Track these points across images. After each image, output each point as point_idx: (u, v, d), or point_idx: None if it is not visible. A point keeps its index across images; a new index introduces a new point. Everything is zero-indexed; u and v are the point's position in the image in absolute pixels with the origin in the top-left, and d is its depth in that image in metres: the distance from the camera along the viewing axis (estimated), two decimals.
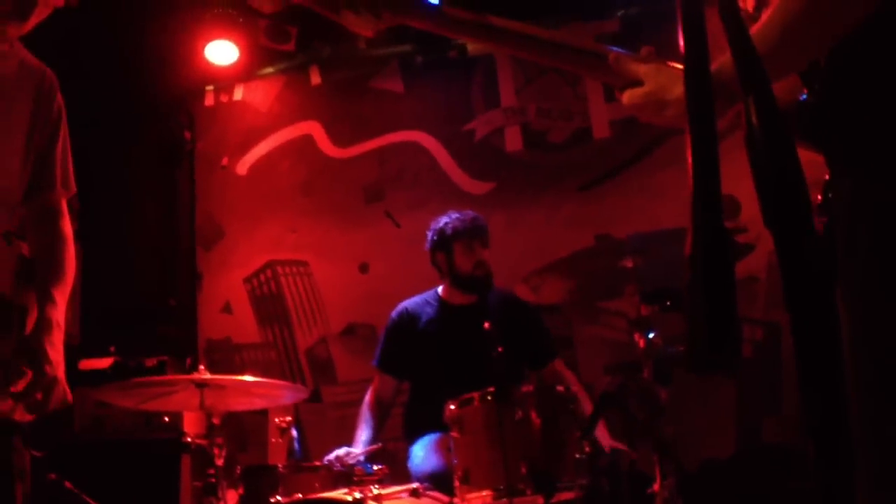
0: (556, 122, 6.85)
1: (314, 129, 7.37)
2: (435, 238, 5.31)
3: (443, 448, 4.54)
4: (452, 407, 4.09)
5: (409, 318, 5.33)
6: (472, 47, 7.12)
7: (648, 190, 6.43)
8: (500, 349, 4.01)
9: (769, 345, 6.09)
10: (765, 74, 1.12)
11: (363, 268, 7.02)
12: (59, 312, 3.04)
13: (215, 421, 4.27)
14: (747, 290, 6.10)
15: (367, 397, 5.32)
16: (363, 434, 5.11)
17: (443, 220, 5.31)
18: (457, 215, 5.29)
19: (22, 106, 3.19)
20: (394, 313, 5.39)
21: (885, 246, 1.66)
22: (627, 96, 2.03)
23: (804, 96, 1.91)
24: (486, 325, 4.17)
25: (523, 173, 6.81)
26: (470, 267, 5.19)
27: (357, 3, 1.92)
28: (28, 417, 2.95)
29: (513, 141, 6.89)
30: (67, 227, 3.28)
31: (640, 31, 6.79)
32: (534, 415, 3.91)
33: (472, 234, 5.20)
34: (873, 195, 1.68)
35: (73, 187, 3.31)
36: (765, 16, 1.80)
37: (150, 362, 6.02)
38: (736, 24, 1.16)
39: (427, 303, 5.37)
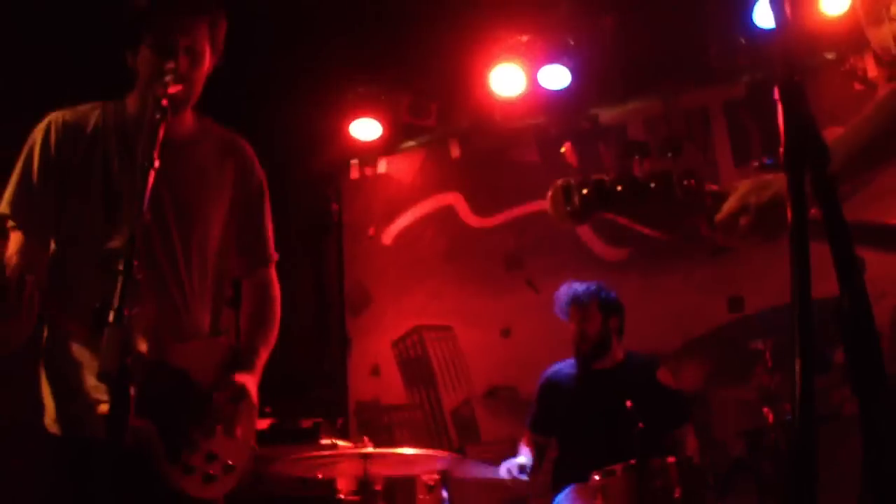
0: None
1: (455, 199, 7.69)
2: None
3: (581, 497, 4.80)
4: (597, 477, 4.35)
5: (553, 382, 5.66)
6: (604, 117, 7.36)
7: (778, 251, 6.47)
8: (640, 425, 4.25)
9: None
10: (860, 273, 1.40)
11: (505, 332, 7.27)
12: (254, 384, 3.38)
13: (377, 487, 4.55)
14: None
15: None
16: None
17: None
18: (561, 291, 5.66)
19: (224, 180, 3.48)
20: (541, 377, 5.73)
21: None
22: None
23: None
24: (629, 403, 4.42)
25: (657, 239, 6.90)
26: (575, 342, 5.53)
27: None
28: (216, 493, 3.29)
29: None
30: (276, 292, 3.65)
31: (766, 97, 6.92)
32: (674, 485, 4.14)
33: (563, 309, 5.60)
34: None
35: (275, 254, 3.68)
36: None
37: (306, 423, 6.33)
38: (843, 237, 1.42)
39: (570, 366, 5.67)
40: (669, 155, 2.63)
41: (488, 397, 7.27)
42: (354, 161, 8.12)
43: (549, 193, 2.14)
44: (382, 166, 8.07)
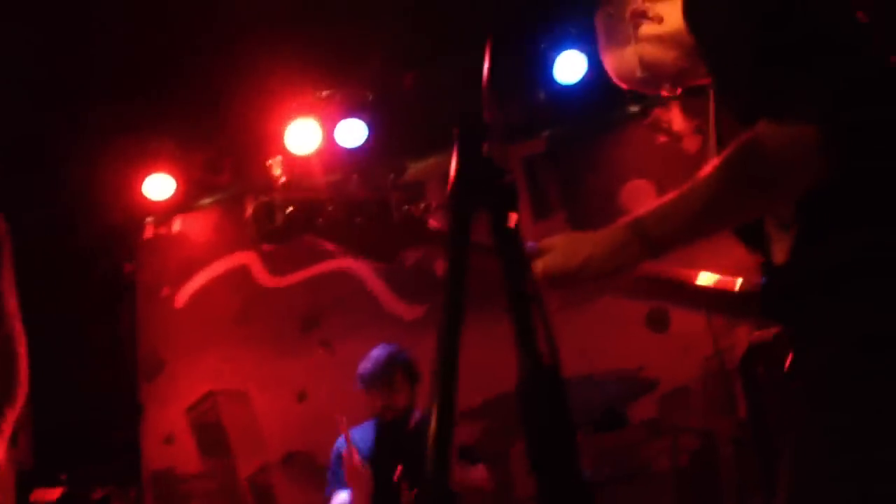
0: None
1: (250, 259, 7.47)
2: None
3: None
4: None
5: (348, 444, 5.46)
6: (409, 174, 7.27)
7: (579, 309, 6.42)
8: (414, 492, 4.10)
9: (706, 453, 6.14)
10: (547, 336, 1.25)
11: (301, 396, 7.08)
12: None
13: None
14: (681, 399, 6.16)
15: None
16: None
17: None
18: (368, 357, 5.40)
19: None
20: (335, 447, 5.50)
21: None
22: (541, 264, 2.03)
23: (764, 279, 2.01)
24: (399, 468, 4.27)
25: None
26: (375, 411, 5.33)
27: None
28: None
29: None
30: (18, 347, 3.39)
31: (567, 151, 6.93)
32: None
33: (368, 382, 5.35)
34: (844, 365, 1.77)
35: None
36: (698, 180, 1.89)
37: (97, 495, 6.06)
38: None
39: (367, 427, 5.49)
40: (392, 176, 2.40)
41: (285, 464, 7.04)
42: (149, 219, 7.84)
43: (250, 210, 1.96)
44: (177, 225, 7.80)
